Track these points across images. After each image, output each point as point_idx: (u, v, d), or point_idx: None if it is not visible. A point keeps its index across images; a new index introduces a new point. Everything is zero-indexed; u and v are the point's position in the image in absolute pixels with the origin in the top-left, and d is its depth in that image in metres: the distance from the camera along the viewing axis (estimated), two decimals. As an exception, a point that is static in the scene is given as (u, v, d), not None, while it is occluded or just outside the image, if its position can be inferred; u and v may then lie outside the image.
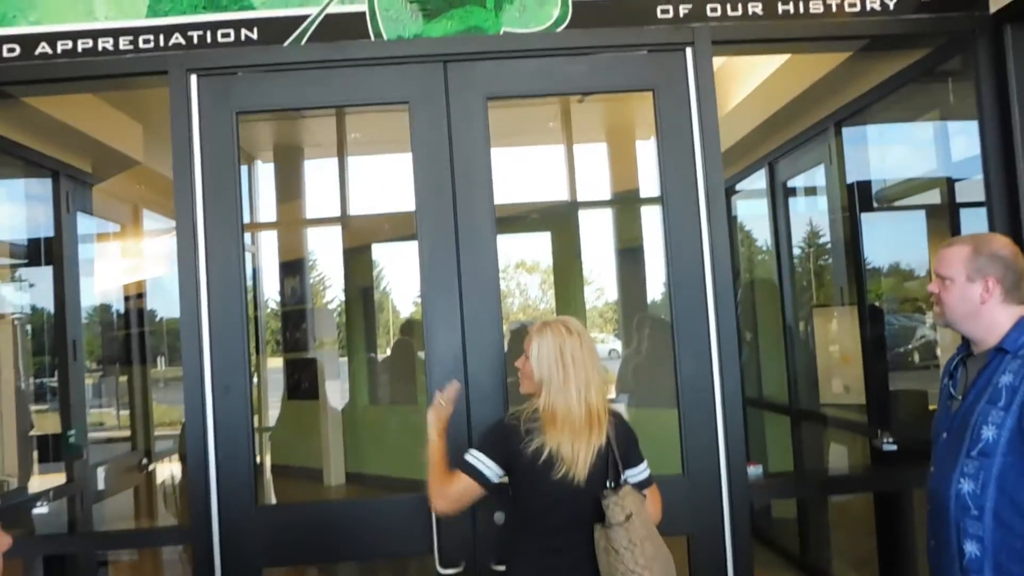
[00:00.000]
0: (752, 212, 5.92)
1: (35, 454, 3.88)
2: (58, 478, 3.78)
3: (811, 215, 5.47)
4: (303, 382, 6.14)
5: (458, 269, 2.84)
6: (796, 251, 5.35)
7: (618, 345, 10.45)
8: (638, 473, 2.40)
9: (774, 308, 5.07)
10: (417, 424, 5.14)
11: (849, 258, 4.45)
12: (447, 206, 2.86)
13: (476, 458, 2.33)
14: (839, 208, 4.57)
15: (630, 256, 6.16)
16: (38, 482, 3.72)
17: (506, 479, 2.36)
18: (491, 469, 2.31)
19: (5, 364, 3.72)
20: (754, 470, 2.93)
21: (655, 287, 6.09)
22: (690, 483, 2.84)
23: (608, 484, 2.29)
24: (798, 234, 5.37)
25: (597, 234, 6.75)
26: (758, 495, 3.01)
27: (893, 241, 4.73)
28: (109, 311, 5.34)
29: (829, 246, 5.16)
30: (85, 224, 4.18)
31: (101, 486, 3.46)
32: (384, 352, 6.65)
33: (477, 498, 2.37)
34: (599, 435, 2.28)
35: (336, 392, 6.19)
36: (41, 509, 3.08)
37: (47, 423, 4.16)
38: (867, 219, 4.44)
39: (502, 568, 2.54)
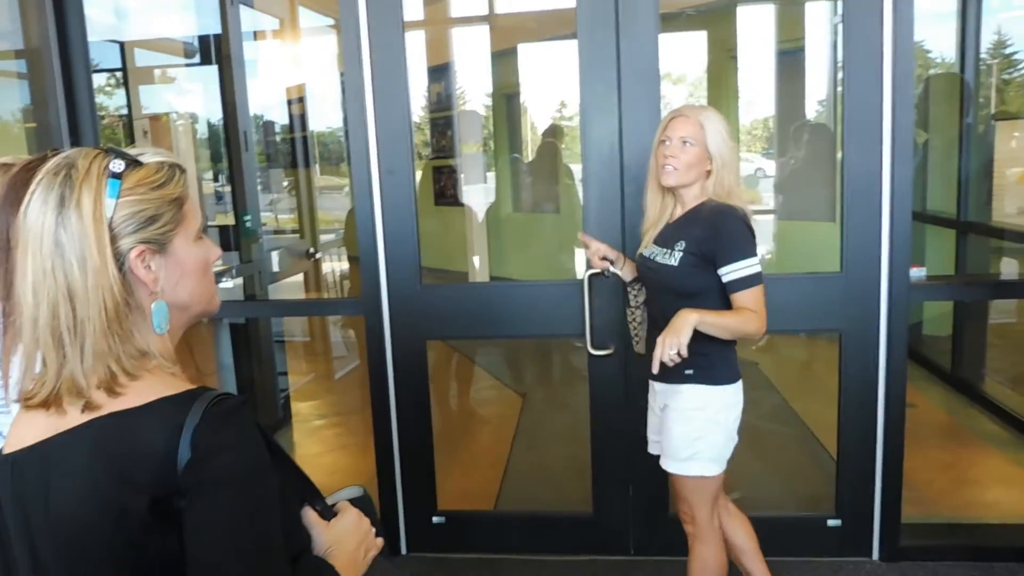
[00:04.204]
0: (926, 12, 5.32)
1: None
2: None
3: (998, 20, 4.89)
4: (448, 188, 6.30)
5: (617, 55, 2.74)
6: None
7: (765, 164, 10.03)
8: None
9: (952, 110, 4.64)
10: (560, 228, 5.22)
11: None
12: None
13: (759, 265, 2.13)
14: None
15: (789, 59, 5.75)
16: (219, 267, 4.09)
17: None
18: None
19: (187, 158, 3.99)
20: (917, 272, 2.83)
21: (815, 93, 5.73)
22: (847, 281, 2.78)
23: None
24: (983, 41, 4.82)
25: (755, 35, 6.28)
26: (920, 295, 2.91)
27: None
28: (262, 118, 5.56)
29: (1018, 53, 4.64)
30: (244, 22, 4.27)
31: (276, 268, 3.76)
32: (527, 158, 6.68)
33: None
34: None
35: (480, 197, 6.34)
36: (225, 283, 3.40)
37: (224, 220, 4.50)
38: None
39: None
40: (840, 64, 5.13)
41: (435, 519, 3.10)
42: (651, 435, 2.42)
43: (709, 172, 2.17)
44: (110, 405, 0.92)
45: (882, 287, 2.76)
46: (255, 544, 0.89)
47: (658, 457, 2.33)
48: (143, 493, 0.89)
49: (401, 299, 2.92)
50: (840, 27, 2.91)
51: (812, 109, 6.04)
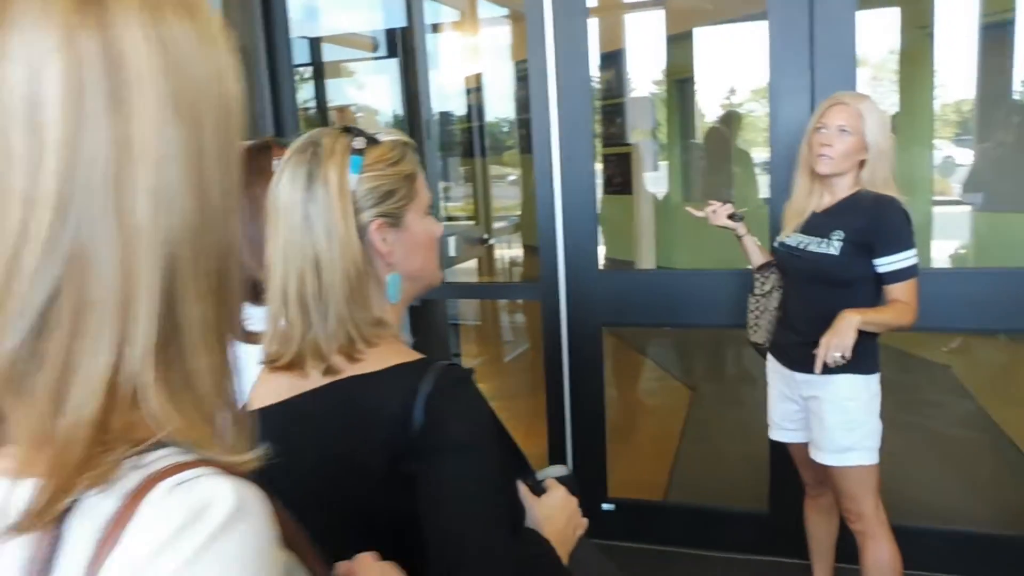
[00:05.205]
0: None
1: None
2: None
3: None
4: (616, 176, 6.26)
5: (810, 35, 2.61)
6: None
7: (955, 152, 9.26)
8: None
9: None
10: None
11: None
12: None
13: (916, 257, 2.11)
14: None
15: (995, 33, 5.24)
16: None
17: None
18: None
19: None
20: None
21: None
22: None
23: None
24: None
25: (955, 8, 5.78)
26: None
27: None
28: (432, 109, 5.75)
29: None
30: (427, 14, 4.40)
31: (452, 253, 3.86)
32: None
33: None
34: None
35: (652, 185, 6.25)
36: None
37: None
38: None
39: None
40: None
41: (605, 506, 3.10)
42: (781, 421, 2.40)
43: (863, 162, 2.14)
44: (349, 370, 0.98)
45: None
46: (485, 509, 0.92)
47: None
48: (380, 453, 0.94)
49: (578, 285, 2.94)
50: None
51: (1020, 90, 5.50)
